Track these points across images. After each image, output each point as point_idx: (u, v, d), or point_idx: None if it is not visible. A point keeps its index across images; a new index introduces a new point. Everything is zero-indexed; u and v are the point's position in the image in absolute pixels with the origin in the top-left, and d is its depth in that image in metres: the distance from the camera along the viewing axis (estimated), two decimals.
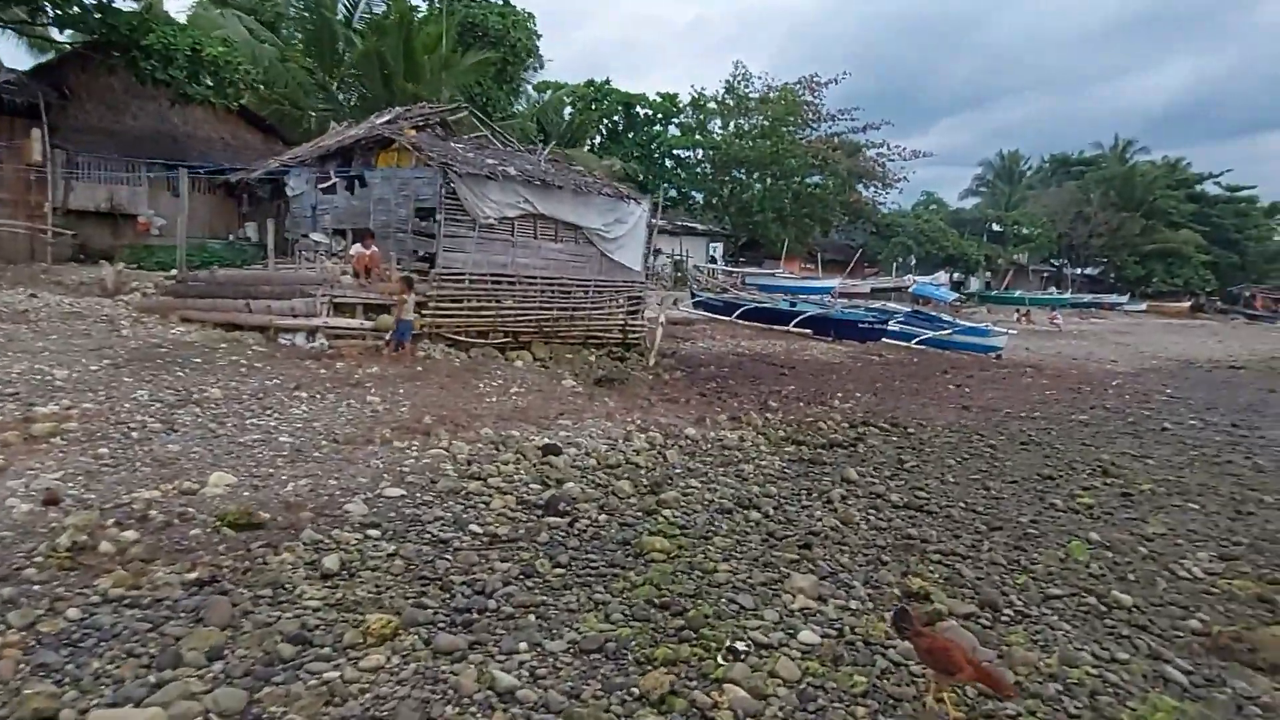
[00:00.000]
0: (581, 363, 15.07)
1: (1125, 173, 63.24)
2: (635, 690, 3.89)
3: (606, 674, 4.07)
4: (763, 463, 9.30)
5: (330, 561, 5.15)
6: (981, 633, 4.88)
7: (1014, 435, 12.12)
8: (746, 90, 44.93)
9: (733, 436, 10.50)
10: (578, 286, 16.08)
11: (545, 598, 4.95)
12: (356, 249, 13.69)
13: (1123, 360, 26.37)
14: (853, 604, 5.19)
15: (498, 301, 14.70)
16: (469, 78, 26.30)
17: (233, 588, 4.70)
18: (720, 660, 4.27)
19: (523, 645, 4.27)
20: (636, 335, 17.21)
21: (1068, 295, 53.88)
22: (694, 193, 47.50)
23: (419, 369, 12.22)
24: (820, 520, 7.05)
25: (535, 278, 15.27)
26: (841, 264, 44.97)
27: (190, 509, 5.81)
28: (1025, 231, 58.69)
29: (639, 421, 10.73)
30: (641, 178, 39.13)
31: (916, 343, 24.29)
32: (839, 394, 14.70)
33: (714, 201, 46.66)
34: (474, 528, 6.11)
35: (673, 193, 45.90)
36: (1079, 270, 64.93)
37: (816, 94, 44.21)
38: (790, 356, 19.81)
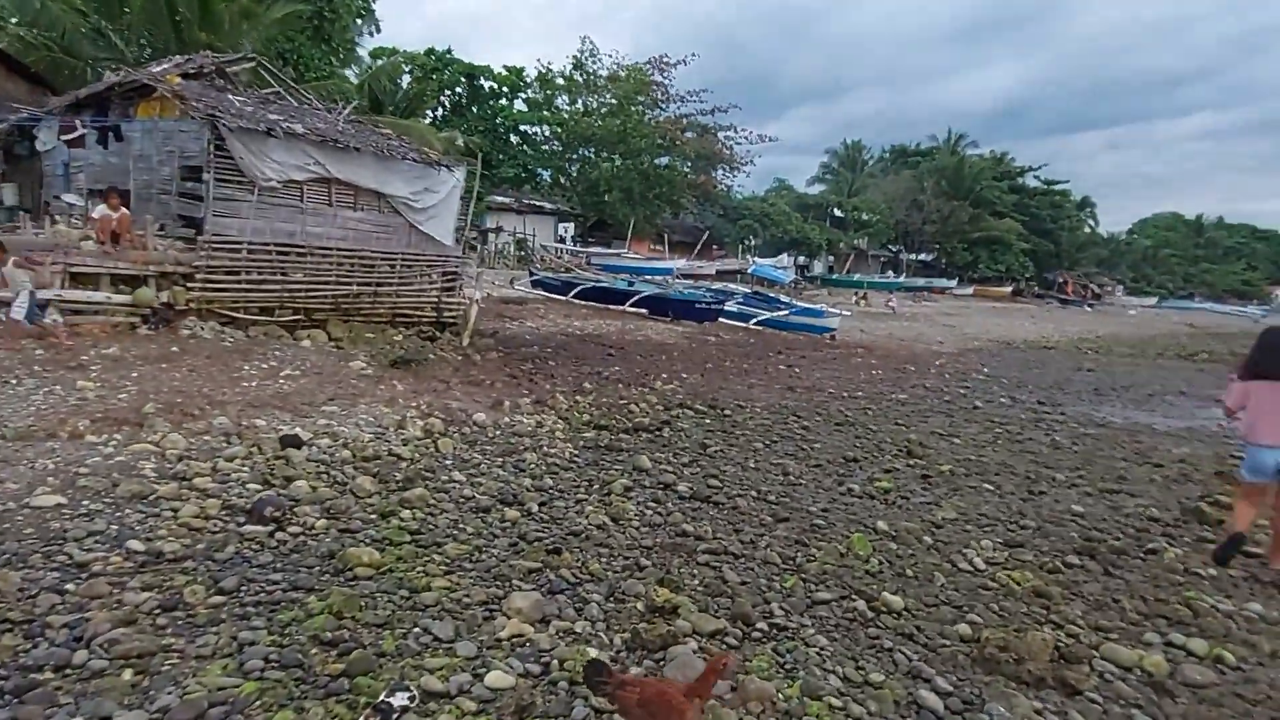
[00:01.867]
0: (384, 343, 13.65)
1: (956, 164, 66.73)
2: None
3: None
4: (551, 450, 8.36)
5: None
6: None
7: (831, 416, 11.77)
8: (595, 67, 43.92)
9: (529, 422, 9.52)
10: (383, 260, 14.55)
11: (172, 640, 3.74)
12: (101, 210, 11.71)
13: (949, 341, 27.32)
14: (580, 626, 4.27)
15: (284, 275, 13.03)
16: (276, 31, 23.82)
17: None
18: None
19: None
20: (453, 314, 15.89)
21: (903, 279, 56.37)
22: (541, 171, 46.00)
23: (174, 350, 10.54)
24: (588, 518, 6.16)
25: (331, 249, 13.66)
26: (690, 245, 44.87)
27: None
28: (865, 218, 60.83)
29: (424, 406, 9.57)
30: (485, 153, 37.34)
31: (754, 323, 24.16)
32: (664, 375, 14.03)
33: (561, 180, 45.41)
34: (135, 544, 4.81)
35: (521, 171, 44.28)
36: (914, 256, 68.15)
37: (665, 74, 43.76)
38: (623, 337, 19.06)
